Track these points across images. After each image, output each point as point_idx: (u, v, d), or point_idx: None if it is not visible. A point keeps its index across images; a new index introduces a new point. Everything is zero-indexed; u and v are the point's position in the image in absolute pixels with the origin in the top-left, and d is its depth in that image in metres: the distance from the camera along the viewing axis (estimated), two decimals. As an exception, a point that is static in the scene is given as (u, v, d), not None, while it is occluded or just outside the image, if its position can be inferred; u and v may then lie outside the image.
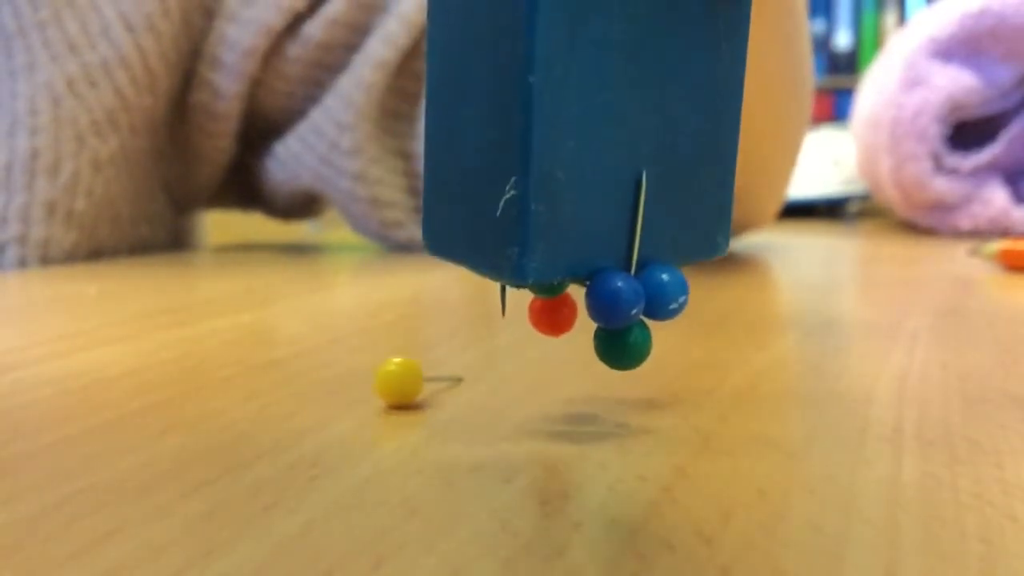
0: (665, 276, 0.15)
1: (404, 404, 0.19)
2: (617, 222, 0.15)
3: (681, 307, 0.15)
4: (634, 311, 0.15)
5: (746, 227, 0.52)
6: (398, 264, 0.48)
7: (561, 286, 0.16)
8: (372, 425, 0.18)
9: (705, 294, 0.34)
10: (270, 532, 0.13)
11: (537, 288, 0.16)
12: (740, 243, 0.54)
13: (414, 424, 0.18)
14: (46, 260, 0.49)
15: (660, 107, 0.15)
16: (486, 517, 0.13)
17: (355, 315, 0.32)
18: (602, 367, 0.23)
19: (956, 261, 0.45)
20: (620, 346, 0.15)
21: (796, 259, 0.49)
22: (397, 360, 0.18)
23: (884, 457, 0.16)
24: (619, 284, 0.14)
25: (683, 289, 0.15)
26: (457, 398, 0.20)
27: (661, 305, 0.15)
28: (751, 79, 0.41)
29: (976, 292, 0.35)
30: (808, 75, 0.45)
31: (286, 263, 0.50)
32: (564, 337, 0.26)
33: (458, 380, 0.21)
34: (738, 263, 0.46)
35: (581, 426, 0.18)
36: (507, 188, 0.13)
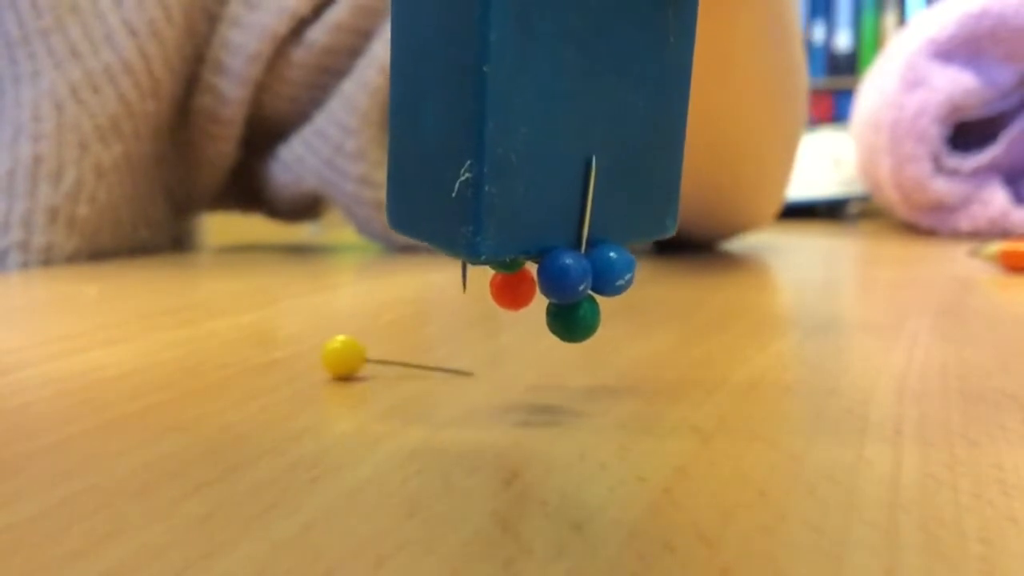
0: (613, 254, 0.16)
1: (348, 376, 0.21)
2: (568, 203, 0.15)
3: (628, 283, 0.16)
4: (582, 287, 0.15)
5: (745, 227, 0.52)
6: (398, 265, 0.48)
7: (517, 263, 0.16)
8: (372, 425, 0.18)
9: (705, 294, 0.34)
10: (270, 532, 0.13)
11: (494, 264, 0.16)
12: (740, 243, 0.54)
13: (414, 425, 0.18)
14: (48, 265, 0.49)
15: (610, 95, 0.15)
16: (486, 518, 0.13)
17: (355, 316, 0.32)
18: (603, 367, 0.23)
19: (956, 262, 0.45)
20: (570, 320, 0.16)
21: (796, 260, 0.49)
22: (341, 338, 0.21)
23: (884, 457, 0.16)
24: (568, 261, 0.15)
25: (629, 267, 0.16)
26: (457, 398, 0.20)
27: (608, 281, 0.16)
28: (744, 78, 0.41)
29: (976, 293, 0.35)
30: (801, 74, 0.45)
31: (286, 264, 0.50)
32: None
33: (467, 374, 0.21)
34: (738, 263, 0.46)
35: (582, 427, 0.18)
36: (463, 171, 0.14)
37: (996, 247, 0.41)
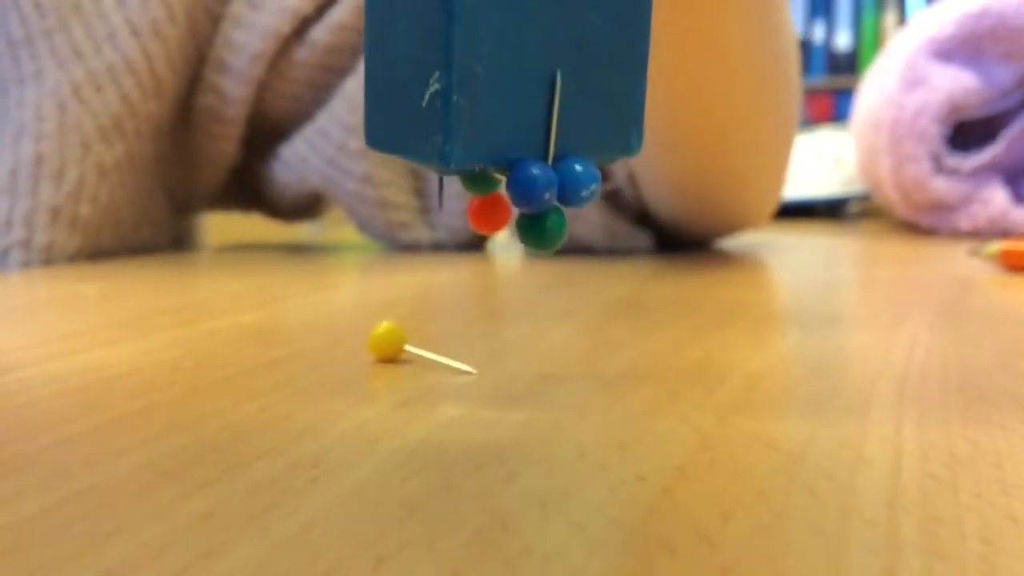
0: (578, 167, 0.17)
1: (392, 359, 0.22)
2: (535, 118, 0.16)
3: (592, 194, 0.17)
4: (547, 195, 0.16)
5: (741, 225, 0.52)
6: (399, 264, 0.48)
7: (489, 181, 0.17)
8: (372, 425, 0.18)
9: (705, 293, 0.34)
10: (270, 532, 0.13)
11: (467, 183, 0.17)
12: (739, 242, 0.54)
13: (414, 424, 0.18)
14: (49, 264, 0.49)
15: (574, 15, 0.16)
16: (486, 517, 0.13)
17: (355, 315, 0.32)
18: (604, 367, 0.23)
19: (956, 261, 0.45)
20: (538, 229, 0.17)
21: (796, 259, 0.49)
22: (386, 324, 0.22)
23: (884, 457, 0.16)
24: (535, 172, 0.16)
25: (594, 178, 0.17)
26: (458, 398, 0.20)
27: (574, 192, 0.17)
28: (733, 62, 0.41)
29: (976, 292, 0.35)
30: (792, 63, 0.45)
31: (286, 264, 0.50)
32: (564, 337, 0.26)
33: (470, 372, 0.21)
34: (738, 263, 0.46)
35: (582, 426, 0.18)
36: (432, 82, 0.15)
37: (996, 246, 0.41)
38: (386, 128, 0.17)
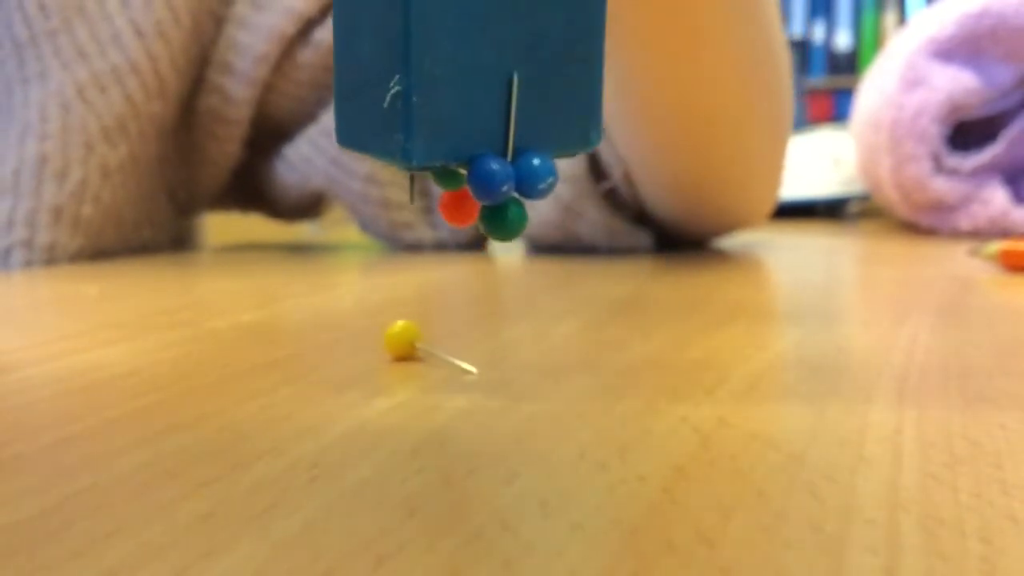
0: (536, 161, 0.17)
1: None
2: (494, 115, 0.17)
3: (550, 187, 0.18)
4: (505, 188, 0.17)
5: (737, 224, 0.52)
6: (399, 264, 0.48)
7: (454, 175, 0.18)
8: (372, 425, 0.18)
9: (705, 293, 0.34)
10: (270, 532, 0.13)
11: (437, 178, 0.18)
12: (739, 242, 0.54)
13: (414, 424, 0.18)
14: (51, 264, 0.49)
15: (529, 16, 0.17)
16: (486, 517, 0.13)
17: (355, 315, 0.32)
18: (603, 367, 0.23)
19: (956, 261, 0.45)
20: (500, 220, 0.18)
21: (796, 259, 0.49)
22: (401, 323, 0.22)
23: (884, 457, 0.16)
24: (493, 166, 0.17)
25: (551, 172, 0.18)
26: (457, 398, 0.20)
27: (532, 185, 0.17)
28: (716, 57, 0.41)
29: (976, 292, 0.35)
30: (783, 67, 0.45)
31: (287, 263, 0.50)
32: (564, 337, 0.26)
33: (469, 371, 0.21)
34: (738, 262, 0.46)
35: (581, 426, 0.18)
36: (393, 84, 0.16)
37: (996, 246, 0.41)
38: (355, 128, 0.17)
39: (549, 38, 0.17)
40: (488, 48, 0.17)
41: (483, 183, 0.17)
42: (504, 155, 0.17)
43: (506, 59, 0.17)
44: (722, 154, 0.45)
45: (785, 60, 0.45)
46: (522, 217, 0.18)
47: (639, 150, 0.46)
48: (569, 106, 0.18)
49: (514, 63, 0.17)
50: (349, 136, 0.18)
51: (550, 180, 0.18)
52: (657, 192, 0.48)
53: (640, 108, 0.44)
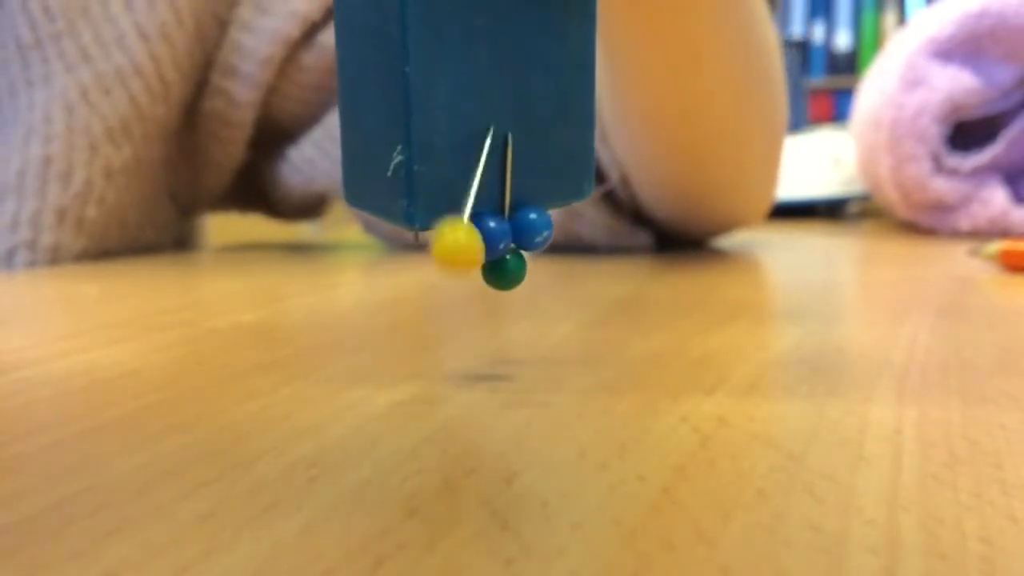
0: (533, 215, 0.18)
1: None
2: (491, 175, 0.18)
3: (546, 240, 0.18)
4: (502, 245, 0.18)
5: (736, 225, 0.52)
6: (399, 264, 0.48)
7: (518, 275, 0.19)
8: (372, 425, 0.18)
9: (704, 293, 0.34)
10: (270, 532, 0.13)
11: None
12: (739, 242, 0.54)
13: (414, 424, 0.18)
14: (54, 265, 0.50)
15: (520, 81, 0.18)
16: (486, 517, 0.13)
17: (356, 315, 0.32)
18: (603, 367, 0.23)
19: (956, 261, 0.45)
20: (500, 272, 0.19)
21: (796, 259, 0.49)
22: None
23: (884, 457, 0.16)
24: (492, 224, 0.18)
25: (547, 225, 0.18)
26: (457, 399, 0.20)
27: (529, 239, 0.18)
28: (711, 69, 0.41)
29: (976, 292, 0.35)
30: (774, 64, 0.45)
31: (287, 263, 0.50)
32: (564, 337, 0.26)
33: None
34: (737, 262, 0.46)
35: (581, 426, 0.18)
36: (395, 154, 0.17)
37: (996, 246, 0.41)
38: (361, 190, 0.18)
39: (541, 99, 0.18)
40: (484, 113, 0.18)
41: (483, 241, 0.17)
42: (502, 212, 0.18)
43: (500, 122, 0.18)
44: (717, 157, 0.45)
45: (777, 64, 0.45)
46: (520, 268, 0.19)
47: (635, 153, 0.46)
48: (562, 161, 0.19)
49: (508, 125, 0.18)
50: (356, 197, 0.18)
51: (546, 233, 0.18)
52: (654, 194, 0.48)
53: (635, 113, 0.44)
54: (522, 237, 0.18)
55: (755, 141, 0.46)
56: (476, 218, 0.18)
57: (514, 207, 0.18)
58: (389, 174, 0.17)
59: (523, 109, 0.18)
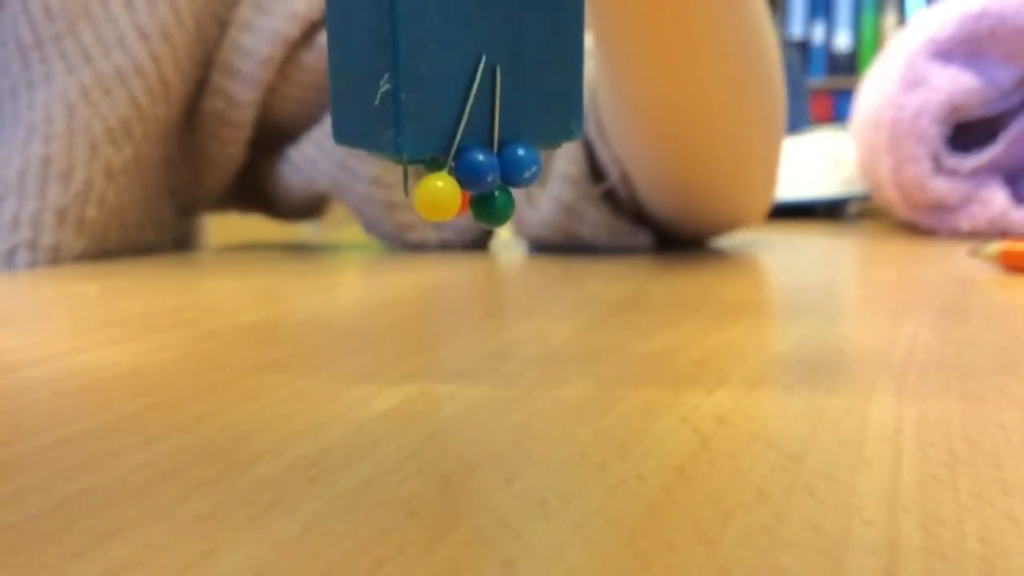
0: (521, 151, 0.18)
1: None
2: (480, 109, 0.18)
3: (534, 176, 0.19)
4: (491, 178, 0.18)
5: (735, 224, 0.52)
6: (399, 264, 0.48)
7: (440, 164, 0.19)
8: (372, 426, 0.18)
9: (705, 293, 0.34)
10: (270, 533, 0.13)
11: (427, 169, 0.19)
12: (739, 242, 0.54)
13: (414, 425, 0.18)
14: (55, 265, 0.50)
15: (510, 17, 0.18)
16: (486, 518, 0.13)
17: (356, 315, 0.32)
18: (604, 367, 0.23)
19: (956, 262, 0.45)
20: (488, 208, 0.19)
21: (796, 259, 0.49)
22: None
23: (884, 457, 0.16)
24: (479, 157, 0.18)
25: (535, 161, 0.19)
26: (457, 399, 0.20)
27: (517, 174, 0.18)
28: (707, 60, 0.41)
29: (976, 293, 0.35)
30: (773, 66, 0.45)
31: (287, 264, 0.50)
32: (564, 338, 0.26)
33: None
34: (737, 263, 0.46)
35: (581, 427, 0.18)
36: (383, 83, 0.17)
37: (996, 247, 0.41)
38: (350, 125, 0.18)
39: (530, 36, 0.18)
40: (472, 46, 0.18)
41: (470, 173, 0.18)
42: (490, 147, 0.18)
43: (490, 56, 0.18)
44: (714, 152, 0.45)
45: (776, 63, 0.45)
46: (508, 204, 0.19)
47: (632, 147, 0.47)
48: (550, 99, 0.19)
49: (497, 59, 0.18)
50: (344, 133, 0.19)
51: (534, 169, 0.19)
52: (653, 191, 0.48)
53: (631, 105, 0.44)
54: (510, 173, 0.18)
55: (753, 138, 0.46)
56: (464, 151, 0.18)
57: (502, 143, 0.18)
58: (376, 103, 0.17)
59: (512, 44, 0.18)
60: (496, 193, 0.19)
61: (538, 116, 0.19)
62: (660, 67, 0.40)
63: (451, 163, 0.18)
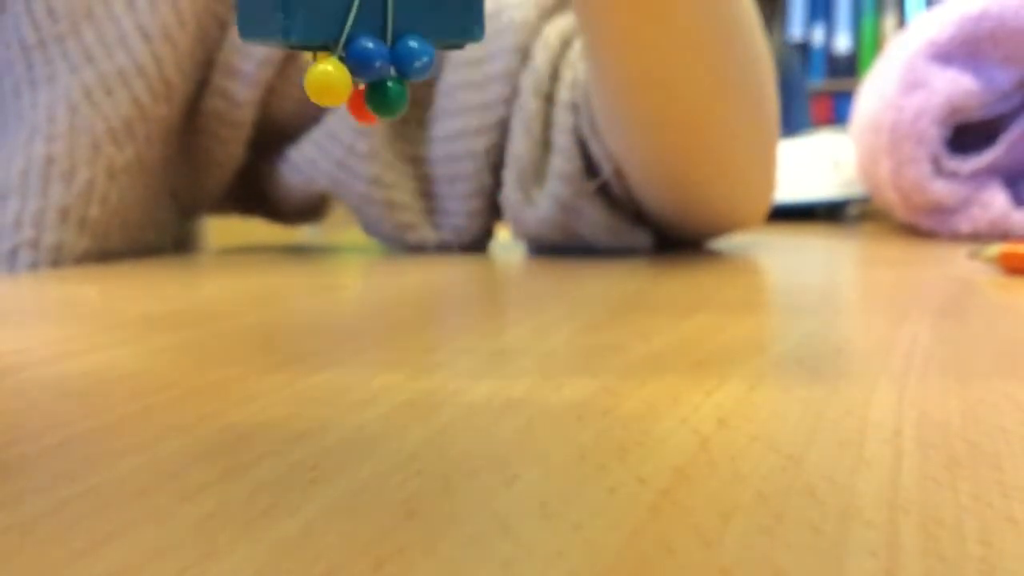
0: (413, 43, 0.19)
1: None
2: (373, 2, 0.18)
3: (426, 67, 0.19)
4: (379, 64, 0.18)
5: (731, 223, 0.52)
6: (399, 266, 0.48)
7: (331, 50, 0.19)
8: (372, 427, 0.18)
9: (704, 295, 0.34)
10: (270, 534, 0.13)
11: (314, 50, 0.19)
12: (739, 244, 0.55)
13: (414, 426, 0.18)
14: (57, 265, 0.50)
15: None
16: (486, 519, 0.13)
17: (356, 317, 0.32)
18: (604, 368, 0.23)
19: (956, 264, 0.45)
20: (381, 97, 0.19)
21: (795, 261, 0.49)
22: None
23: (883, 459, 0.16)
24: (368, 44, 0.18)
25: (428, 52, 0.19)
26: (457, 400, 0.20)
27: (408, 64, 0.19)
28: (695, 57, 0.42)
29: (976, 295, 0.35)
30: (765, 64, 0.46)
31: (287, 265, 0.50)
32: (564, 339, 0.26)
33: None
34: (737, 265, 0.46)
35: (581, 428, 0.18)
36: None
37: (996, 249, 0.41)
38: (249, 18, 0.19)
39: None
40: None
41: (359, 60, 0.18)
42: (383, 38, 0.19)
43: None
44: (703, 145, 0.46)
45: (764, 61, 0.46)
46: (401, 95, 0.19)
47: (623, 141, 0.47)
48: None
49: None
50: (246, 27, 0.19)
51: (425, 59, 0.19)
52: (646, 187, 0.48)
53: (620, 97, 0.44)
54: (402, 63, 0.19)
55: (741, 133, 0.47)
56: (353, 38, 0.18)
57: (396, 36, 0.19)
58: None
59: None
60: (389, 83, 0.19)
61: (436, 13, 0.19)
62: (644, 51, 0.41)
63: (342, 52, 0.18)
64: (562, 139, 0.49)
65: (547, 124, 0.51)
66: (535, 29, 0.52)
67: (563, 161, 0.49)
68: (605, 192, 0.50)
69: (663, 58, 0.41)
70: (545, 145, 0.51)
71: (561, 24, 0.53)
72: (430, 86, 0.55)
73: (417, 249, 0.54)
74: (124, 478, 0.15)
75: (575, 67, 0.51)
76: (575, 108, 0.50)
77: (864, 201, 0.77)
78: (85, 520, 0.13)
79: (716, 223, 0.51)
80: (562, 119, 0.49)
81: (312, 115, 0.56)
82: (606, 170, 0.49)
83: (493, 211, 0.54)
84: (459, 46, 0.20)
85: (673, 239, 0.52)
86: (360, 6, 0.18)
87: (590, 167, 0.50)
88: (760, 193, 0.51)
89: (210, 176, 0.58)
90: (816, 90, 2.23)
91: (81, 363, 0.24)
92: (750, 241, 0.56)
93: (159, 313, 0.32)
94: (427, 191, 0.55)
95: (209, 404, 0.20)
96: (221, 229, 0.73)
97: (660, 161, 0.47)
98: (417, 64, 0.19)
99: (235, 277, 0.45)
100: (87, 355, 0.25)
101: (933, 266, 0.45)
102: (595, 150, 0.48)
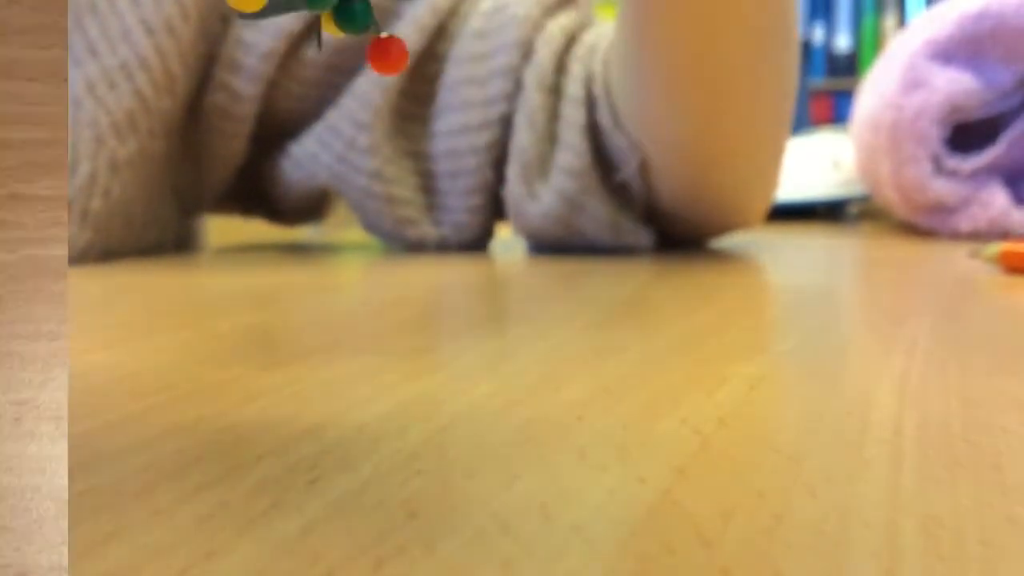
0: None
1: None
2: None
3: None
4: None
5: (737, 218, 0.52)
6: (400, 265, 0.48)
7: (361, 18, 0.20)
8: (372, 427, 0.18)
9: (704, 295, 0.34)
10: (270, 534, 0.13)
11: (339, 22, 0.20)
12: (739, 244, 0.55)
13: (414, 426, 0.18)
14: None
15: None
16: (486, 519, 0.13)
17: (356, 316, 0.32)
18: (604, 368, 0.23)
19: (956, 263, 0.45)
20: (348, 15, 0.19)
21: (796, 260, 0.49)
22: None
23: (884, 459, 0.16)
24: None
25: None
26: (457, 400, 0.20)
27: None
28: (734, 35, 0.42)
29: (976, 294, 0.35)
30: (793, 49, 0.46)
31: (288, 264, 0.50)
32: (564, 339, 0.26)
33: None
34: (737, 264, 0.46)
35: (581, 428, 0.18)
36: None
37: (996, 248, 0.41)
38: None
39: None
40: None
41: None
42: None
43: None
44: (737, 141, 0.46)
45: (794, 40, 0.46)
46: (367, 13, 0.20)
47: (651, 119, 0.47)
48: None
49: None
50: None
51: None
52: (668, 180, 0.49)
53: (655, 73, 0.45)
54: None
55: (770, 123, 0.47)
56: None
57: None
58: None
59: None
60: (356, 4, 0.19)
61: None
62: (690, 25, 0.42)
63: None
64: (570, 134, 0.49)
65: (552, 118, 0.51)
66: (537, 24, 0.52)
67: (571, 156, 0.49)
68: (618, 190, 0.50)
69: (709, 31, 0.42)
70: (550, 139, 0.51)
71: (564, 20, 0.53)
72: (433, 82, 0.55)
73: (417, 248, 0.54)
74: (124, 478, 0.15)
75: (585, 62, 0.51)
76: (589, 103, 0.50)
77: (864, 200, 0.77)
78: (85, 520, 0.13)
79: (724, 217, 0.51)
80: (571, 114, 0.49)
81: (313, 111, 0.56)
82: (630, 164, 0.49)
83: (494, 208, 0.54)
84: None
85: (675, 238, 0.52)
86: None
87: (600, 162, 0.50)
88: (768, 188, 0.51)
89: (212, 171, 0.58)
90: (816, 89, 2.23)
91: (81, 363, 0.24)
92: (750, 240, 0.56)
93: (159, 312, 0.32)
94: (428, 186, 0.55)
95: (209, 404, 0.20)
96: (221, 228, 0.73)
97: (685, 137, 0.47)
98: None
99: (235, 276, 0.45)
100: (87, 355, 0.25)
101: (933, 265, 0.45)
102: (617, 143, 0.48)
